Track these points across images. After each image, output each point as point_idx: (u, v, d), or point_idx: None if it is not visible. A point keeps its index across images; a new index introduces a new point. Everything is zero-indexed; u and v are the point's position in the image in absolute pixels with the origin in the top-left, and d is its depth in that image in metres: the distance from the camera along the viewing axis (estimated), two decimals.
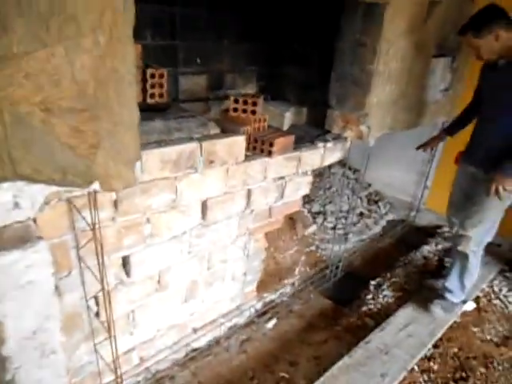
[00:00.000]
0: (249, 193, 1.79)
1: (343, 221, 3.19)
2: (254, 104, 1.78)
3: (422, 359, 1.88)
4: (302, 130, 2.32)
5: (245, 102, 1.78)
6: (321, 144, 2.10)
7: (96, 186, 1.04)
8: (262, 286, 2.25)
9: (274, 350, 1.99)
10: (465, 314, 2.22)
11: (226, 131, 1.67)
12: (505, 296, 2.45)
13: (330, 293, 2.52)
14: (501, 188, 1.81)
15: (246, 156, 1.70)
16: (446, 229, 3.22)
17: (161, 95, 1.66)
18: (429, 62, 2.42)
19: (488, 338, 2.09)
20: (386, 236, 3.28)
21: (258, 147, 1.83)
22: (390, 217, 3.56)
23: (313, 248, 2.89)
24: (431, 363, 1.88)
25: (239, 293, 2.07)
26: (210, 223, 1.68)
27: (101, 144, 1.00)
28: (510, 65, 1.83)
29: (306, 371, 1.84)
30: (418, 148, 2.57)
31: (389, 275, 2.56)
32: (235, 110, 1.79)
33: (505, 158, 1.83)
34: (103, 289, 1.30)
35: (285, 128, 2.29)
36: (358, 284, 2.63)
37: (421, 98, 2.47)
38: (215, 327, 1.99)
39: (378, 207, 3.54)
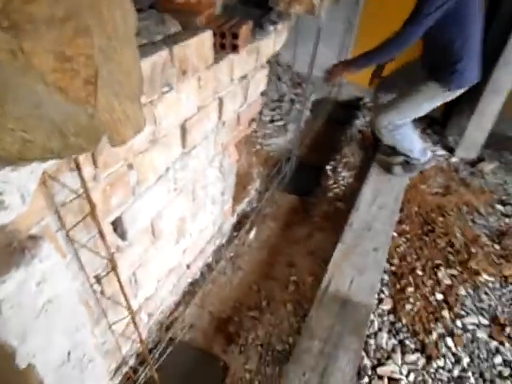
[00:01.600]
0: (220, 102, 1.49)
1: (278, 111, 3.06)
2: None
3: (396, 224, 2.08)
4: (240, 11, 1.92)
5: None
6: (271, 27, 1.79)
7: (104, 141, 0.68)
8: (234, 200, 2.11)
9: (266, 258, 1.98)
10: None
11: (183, 26, 1.26)
12: (432, 150, 2.77)
13: (291, 188, 2.51)
14: (338, 71, 2.15)
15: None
16: (367, 99, 3.36)
17: None
18: None
19: (434, 191, 2.39)
20: (317, 117, 3.29)
21: (218, 42, 1.47)
22: (313, 97, 3.54)
23: (258, 147, 2.76)
24: (403, 225, 2.10)
25: (219, 213, 1.90)
26: (190, 149, 1.39)
27: (98, 74, 0.61)
28: None
29: (306, 268, 1.89)
30: (370, 84, 2.49)
31: (339, 157, 2.62)
32: None
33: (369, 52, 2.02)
34: (111, 261, 1.01)
35: (217, 11, 1.86)
36: (313, 172, 2.67)
37: None
38: (205, 255, 1.85)
39: (303, 89, 3.45)
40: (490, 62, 2.52)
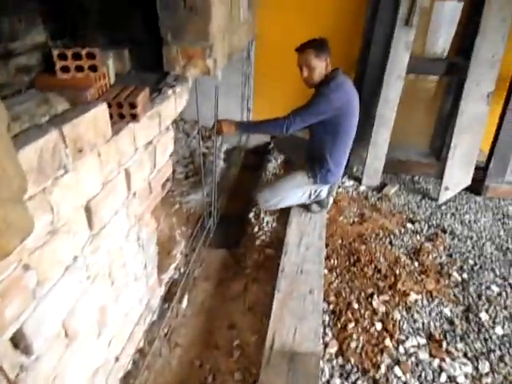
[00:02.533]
0: (127, 174, 1.40)
1: (191, 166, 3.03)
2: (91, 56, 1.30)
3: (325, 261, 2.12)
4: (135, 79, 1.90)
5: (76, 56, 1.27)
6: (170, 91, 1.79)
7: None
8: (159, 270, 1.96)
9: (204, 325, 1.84)
10: (328, 210, 2.57)
11: (71, 102, 1.18)
12: (342, 182, 2.96)
13: (218, 242, 2.44)
14: (219, 129, 2.34)
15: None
16: None
17: None
18: None
19: (351, 220, 2.52)
20: (231, 166, 3.33)
21: (116, 113, 1.41)
22: (225, 147, 3.60)
23: (177, 206, 2.67)
24: (331, 261, 2.15)
25: (145, 289, 1.73)
26: (99, 230, 1.26)
27: None
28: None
29: (248, 327, 1.79)
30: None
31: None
32: (65, 69, 1.27)
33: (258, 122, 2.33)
34: None
35: (112, 80, 1.82)
36: (237, 222, 2.64)
37: (239, 17, 2.38)
38: (135, 340, 1.65)
39: (212, 142, 3.50)
40: (370, 101, 2.85)
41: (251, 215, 2.53)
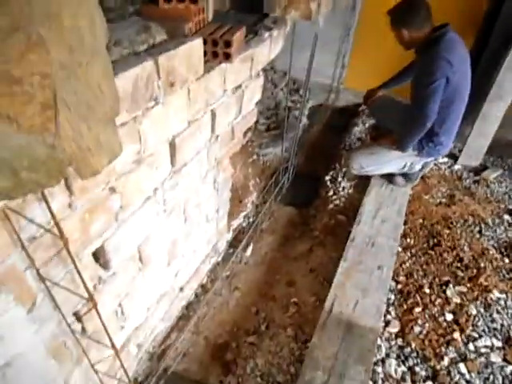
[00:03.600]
0: (213, 115, 1.39)
1: (274, 119, 2.96)
2: None
3: (400, 238, 1.98)
4: (233, 18, 1.83)
5: None
6: (266, 34, 1.69)
7: (70, 174, 0.57)
8: (229, 216, 2.00)
9: (264, 276, 1.87)
10: (415, 184, 2.36)
11: (170, 34, 1.16)
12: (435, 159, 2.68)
13: (289, 199, 2.41)
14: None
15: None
16: None
17: None
18: None
19: (438, 201, 2.29)
20: (315, 124, 3.20)
21: (210, 50, 1.37)
22: (310, 103, 3.45)
23: (255, 157, 2.65)
24: (408, 239, 2.00)
25: (214, 231, 1.79)
26: (180, 167, 1.28)
27: (59, 95, 0.51)
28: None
29: (307, 287, 1.78)
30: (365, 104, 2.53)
31: (338, 166, 2.52)
32: None
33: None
34: (91, 299, 0.89)
35: (210, 17, 1.77)
36: (311, 183, 2.57)
37: None
38: (199, 276, 1.74)
39: (300, 96, 3.36)
40: (491, 66, 2.45)
41: (327, 178, 2.43)
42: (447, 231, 2.06)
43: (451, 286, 1.76)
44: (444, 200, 2.30)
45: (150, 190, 1.14)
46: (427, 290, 1.74)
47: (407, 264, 1.87)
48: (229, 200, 1.85)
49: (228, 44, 1.34)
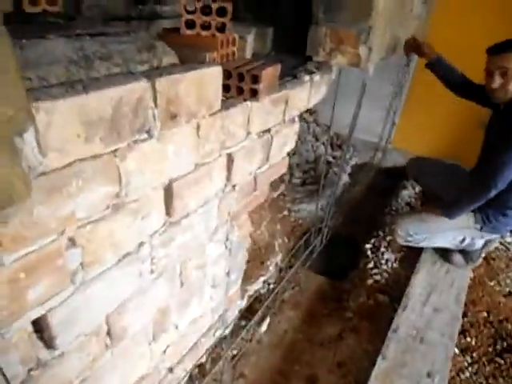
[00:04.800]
0: (229, 160, 1.15)
1: (312, 173, 2.70)
2: (221, 13, 1.07)
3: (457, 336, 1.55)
4: (273, 60, 1.66)
5: (206, 12, 1.06)
6: (306, 77, 1.49)
7: None
8: (245, 279, 1.70)
9: (279, 363, 1.50)
10: (475, 266, 1.94)
11: (184, 61, 0.97)
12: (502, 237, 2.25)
13: (320, 266, 2.07)
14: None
15: (222, 101, 1.03)
16: None
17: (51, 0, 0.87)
18: None
19: (507, 290, 1.84)
20: (357, 184, 2.89)
21: (234, 85, 1.17)
22: (354, 161, 3.17)
23: (285, 213, 2.38)
24: (468, 339, 1.57)
25: (222, 299, 1.48)
26: (179, 219, 1.03)
27: None
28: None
29: None
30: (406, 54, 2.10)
31: (381, 234, 2.17)
32: (190, 25, 1.06)
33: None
34: None
35: (245, 54, 1.61)
36: (348, 249, 2.22)
37: (411, 7, 1.94)
38: (198, 353, 1.41)
39: (343, 152, 3.11)
40: None
41: (368, 246, 2.07)
42: None
43: None
44: None
45: (131, 244, 0.89)
46: None
47: (466, 373, 1.42)
48: (244, 262, 1.55)
49: (256, 79, 1.13)
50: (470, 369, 1.44)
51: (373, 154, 3.15)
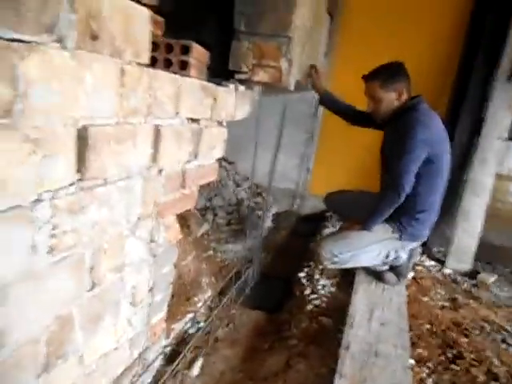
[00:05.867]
0: (156, 134, 1.00)
1: (236, 215, 2.59)
2: None
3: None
4: None
5: None
6: (231, 85, 1.48)
7: None
8: (170, 316, 1.40)
9: None
10: (406, 285, 1.93)
11: None
12: (420, 261, 2.33)
13: (254, 302, 1.84)
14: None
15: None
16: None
17: None
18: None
19: (440, 304, 1.84)
20: (280, 230, 2.84)
21: (162, 58, 1.08)
22: (274, 210, 3.16)
23: (211, 252, 2.16)
24: (419, 350, 1.46)
25: (143, 328, 1.17)
26: (93, 184, 0.80)
27: None
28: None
29: None
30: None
31: (313, 264, 2.07)
32: None
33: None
34: None
35: None
36: (280, 284, 2.06)
37: (317, 46, 2.16)
38: None
39: (263, 199, 3.10)
40: (462, 159, 2.38)
41: (302, 274, 1.95)
42: (465, 339, 1.55)
43: None
44: (447, 303, 1.85)
45: (23, 191, 0.64)
46: None
47: (428, 383, 1.28)
48: (170, 283, 1.29)
49: (186, 50, 1.06)
50: (430, 379, 1.30)
51: (291, 201, 3.20)
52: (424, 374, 1.33)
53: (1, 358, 0.67)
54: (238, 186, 2.90)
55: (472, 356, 1.45)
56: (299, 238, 2.80)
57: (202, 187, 2.68)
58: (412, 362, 1.36)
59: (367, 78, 1.76)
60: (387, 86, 1.71)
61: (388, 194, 1.69)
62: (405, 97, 1.71)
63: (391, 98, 1.72)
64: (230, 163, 3.13)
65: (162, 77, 0.97)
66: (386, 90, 1.71)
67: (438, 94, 2.55)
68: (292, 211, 3.16)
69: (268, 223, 2.89)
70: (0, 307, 0.64)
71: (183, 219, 2.04)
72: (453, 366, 1.38)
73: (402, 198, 1.66)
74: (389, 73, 1.72)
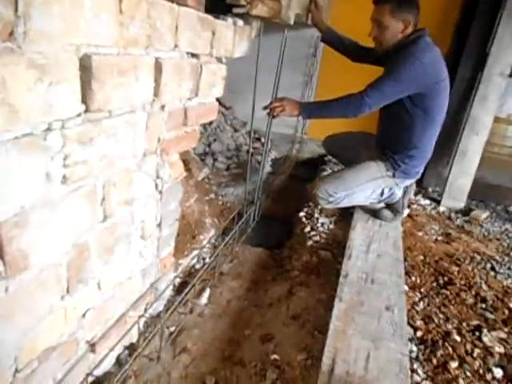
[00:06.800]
0: (157, 68, 0.98)
1: (235, 160, 2.60)
2: None
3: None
4: None
5: None
6: (230, 19, 1.42)
7: None
8: (177, 252, 1.46)
9: (226, 332, 1.28)
10: (402, 222, 2.00)
11: None
12: (416, 200, 2.40)
13: (256, 240, 1.92)
14: (279, 108, 1.84)
15: None
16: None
17: None
18: None
19: (434, 238, 1.92)
20: (279, 174, 2.87)
21: None
22: (273, 155, 3.17)
23: (212, 196, 2.21)
24: (413, 278, 1.55)
25: (154, 261, 1.23)
26: (100, 115, 0.81)
27: None
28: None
29: (291, 340, 1.21)
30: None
31: (312, 204, 2.13)
32: None
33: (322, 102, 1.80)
34: None
35: None
36: (281, 224, 2.13)
37: None
38: (126, 328, 1.12)
39: (262, 144, 3.09)
40: (463, 97, 2.36)
41: (302, 214, 2.01)
42: (456, 268, 1.65)
43: (485, 331, 1.28)
44: (440, 237, 1.94)
45: (32, 119, 0.65)
46: (457, 338, 1.24)
47: (421, 306, 1.39)
48: (176, 218, 1.34)
49: None
50: (422, 302, 1.41)
51: (290, 146, 3.20)
52: (417, 298, 1.43)
53: (27, 278, 0.72)
54: (236, 131, 2.88)
55: (462, 282, 1.55)
56: (298, 181, 2.84)
57: (200, 133, 2.67)
58: (406, 288, 1.45)
59: (374, 1, 1.67)
60: (397, 13, 1.62)
61: (351, 98, 1.66)
62: (410, 30, 1.65)
63: (397, 28, 1.65)
64: (227, 108, 3.09)
65: (160, 5, 0.93)
66: (395, 17, 1.63)
67: (442, 29, 2.46)
68: (291, 156, 3.17)
69: (267, 168, 2.92)
70: (22, 230, 0.68)
71: (184, 163, 2.05)
72: (444, 291, 1.48)
73: (359, 112, 1.64)
74: (402, 0, 1.63)
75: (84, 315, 0.94)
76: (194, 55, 1.18)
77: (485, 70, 2.21)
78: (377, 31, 1.69)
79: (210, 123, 2.76)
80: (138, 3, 0.85)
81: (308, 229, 1.86)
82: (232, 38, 1.44)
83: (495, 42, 2.18)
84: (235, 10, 1.62)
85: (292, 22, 1.70)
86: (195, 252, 1.62)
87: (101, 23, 0.74)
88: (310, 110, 1.80)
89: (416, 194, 2.49)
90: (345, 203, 1.84)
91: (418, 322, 1.29)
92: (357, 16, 2.40)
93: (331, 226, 1.89)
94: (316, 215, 1.98)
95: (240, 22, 1.50)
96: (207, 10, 1.37)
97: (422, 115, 1.68)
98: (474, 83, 2.27)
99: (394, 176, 1.79)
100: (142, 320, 1.22)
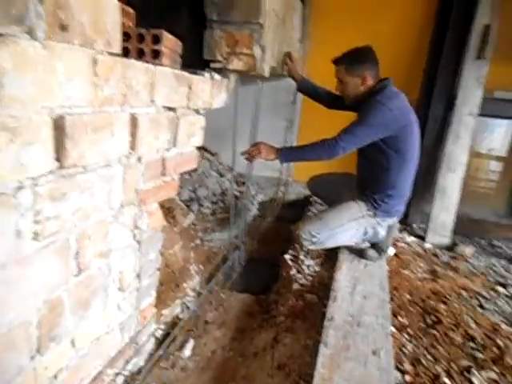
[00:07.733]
0: (133, 123, 1.02)
1: (221, 204, 2.62)
2: None
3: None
4: None
5: None
6: (207, 74, 1.50)
7: None
8: (160, 302, 1.44)
9: None
10: (387, 260, 2.00)
11: None
12: (401, 237, 2.41)
13: (242, 285, 1.90)
14: (256, 151, 1.86)
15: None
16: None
17: None
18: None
19: (420, 276, 1.92)
20: (265, 216, 2.89)
21: (134, 48, 1.11)
22: (260, 198, 3.21)
23: (198, 242, 2.20)
24: (399, 318, 1.53)
25: (133, 312, 1.20)
26: (73, 172, 0.83)
27: None
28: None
29: None
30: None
31: (298, 246, 2.13)
32: None
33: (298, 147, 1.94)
34: None
35: None
36: (267, 268, 2.11)
37: (291, 34, 2.19)
38: None
39: (248, 188, 3.14)
40: (437, 136, 2.46)
41: (288, 256, 2.00)
42: (443, 306, 1.63)
43: (475, 371, 1.25)
44: (427, 275, 1.93)
45: (4, 178, 0.67)
46: (447, 381, 1.20)
47: (409, 347, 1.36)
48: (157, 268, 1.32)
49: (157, 39, 1.09)
50: (410, 344, 1.37)
51: (276, 189, 3.25)
52: (404, 340, 1.40)
53: None
54: (221, 176, 2.93)
55: (449, 321, 1.53)
56: (284, 223, 2.86)
57: (185, 179, 2.71)
58: (393, 329, 1.43)
59: (335, 62, 1.82)
60: (352, 70, 1.76)
61: (325, 142, 1.72)
62: (370, 82, 1.76)
63: (356, 83, 1.78)
64: (212, 154, 3.16)
65: (135, 66, 0.99)
66: (351, 74, 1.77)
67: (411, 75, 2.62)
68: (277, 198, 3.21)
69: (254, 211, 2.94)
70: None
71: (169, 210, 2.07)
72: (431, 331, 1.46)
73: (334, 154, 1.70)
74: (354, 58, 1.77)
75: (56, 376, 0.90)
76: (170, 109, 1.23)
77: (454, 110, 2.33)
78: (340, 86, 1.84)
79: (195, 170, 2.81)
80: (112, 66, 0.90)
81: (294, 271, 1.85)
82: (209, 90, 1.52)
83: (461, 84, 2.32)
84: (213, 65, 1.73)
85: (267, 75, 1.80)
86: (179, 301, 1.59)
87: (74, 86, 0.79)
88: (287, 153, 1.86)
89: (401, 231, 2.51)
90: (329, 244, 1.86)
91: (406, 366, 1.26)
92: (330, 67, 2.55)
93: (317, 268, 1.88)
94: (301, 257, 1.98)
95: (217, 76, 1.59)
96: (188, 66, 1.46)
97: (395, 156, 1.74)
98: (445, 123, 2.38)
99: (375, 215, 1.83)
100: (121, 378, 1.17)
